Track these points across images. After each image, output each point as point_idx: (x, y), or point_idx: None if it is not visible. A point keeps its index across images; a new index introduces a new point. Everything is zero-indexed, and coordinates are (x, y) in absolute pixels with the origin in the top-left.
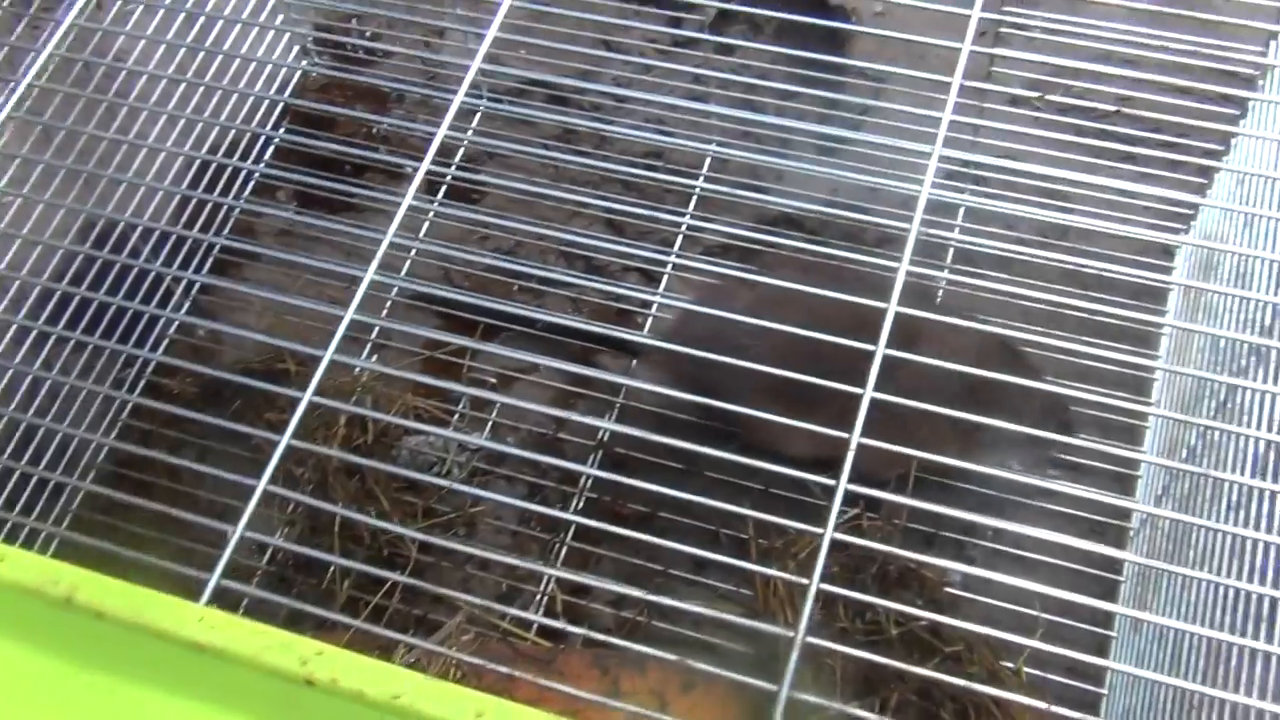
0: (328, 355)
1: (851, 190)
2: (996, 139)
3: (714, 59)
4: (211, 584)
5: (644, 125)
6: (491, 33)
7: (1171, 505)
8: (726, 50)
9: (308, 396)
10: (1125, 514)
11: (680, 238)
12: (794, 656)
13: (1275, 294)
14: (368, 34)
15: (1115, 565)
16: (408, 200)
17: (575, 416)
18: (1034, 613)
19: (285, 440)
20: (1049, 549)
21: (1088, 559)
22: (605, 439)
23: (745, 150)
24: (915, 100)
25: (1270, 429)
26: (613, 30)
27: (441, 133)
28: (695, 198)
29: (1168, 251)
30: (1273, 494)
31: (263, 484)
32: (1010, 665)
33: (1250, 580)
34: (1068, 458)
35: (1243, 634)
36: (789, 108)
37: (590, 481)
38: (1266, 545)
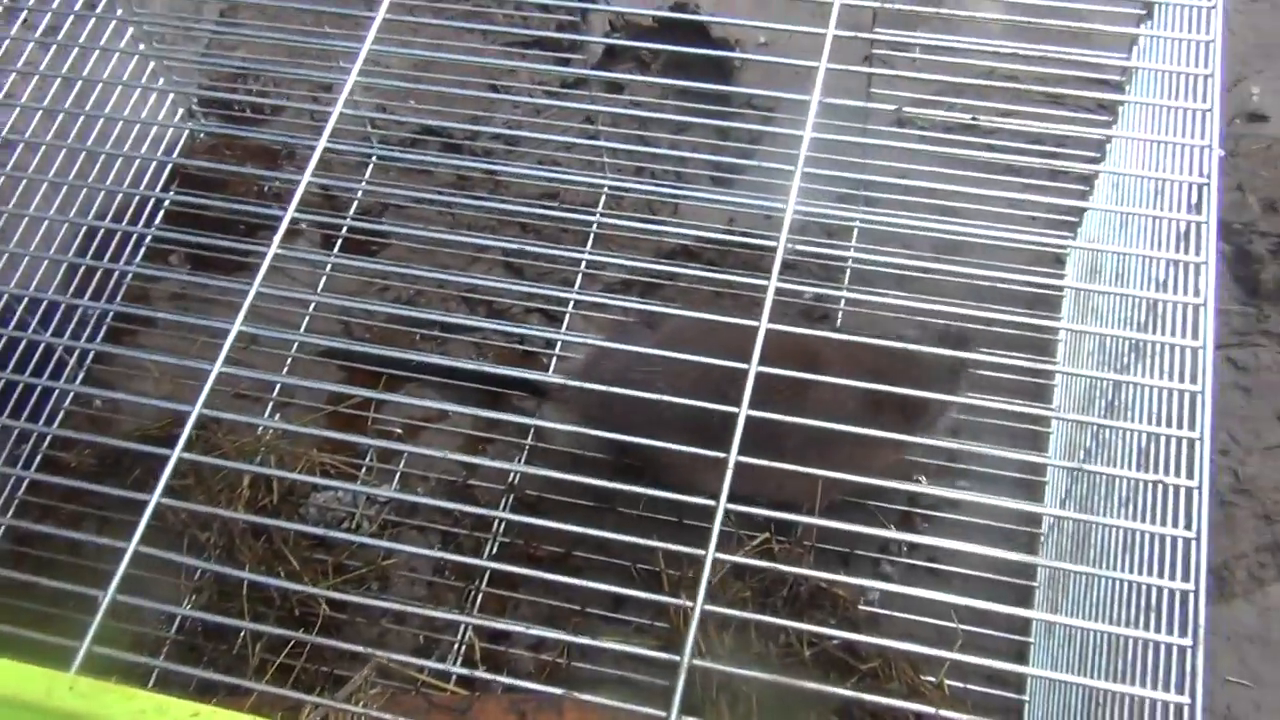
0: (195, 411)
1: (748, 218)
2: (884, 158)
3: (604, 97)
4: (81, 651)
5: (538, 166)
6: (351, 79)
7: (1073, 507)
8: (616, 87)
9: (176, 454)
10: (1037, 519)
11: (580, 276)
12: (680, 682)
13: (1148, 290)
14: (254, 92)
15: (1030, 571)
16: (272, 251)
17: (484, 462)
18: (953, 625)
19: (155, 500)
20: (965, 560)
21: (1003, 567)
22: (516, 482)
23: (640, 184)
24: (802, 125)
25: (1150, 422)
26: (500, 74)
27: (304, 182)
28: (592, 235)
29: (1059, 259)
30: (1154, 485)
31: (132, 546)
32: (931, 679)
33: (1139, 572)
34: (977, 468)
35: (1136, 626)
36: (682, 140)
37: (503, 526)
38: (1152, 536)
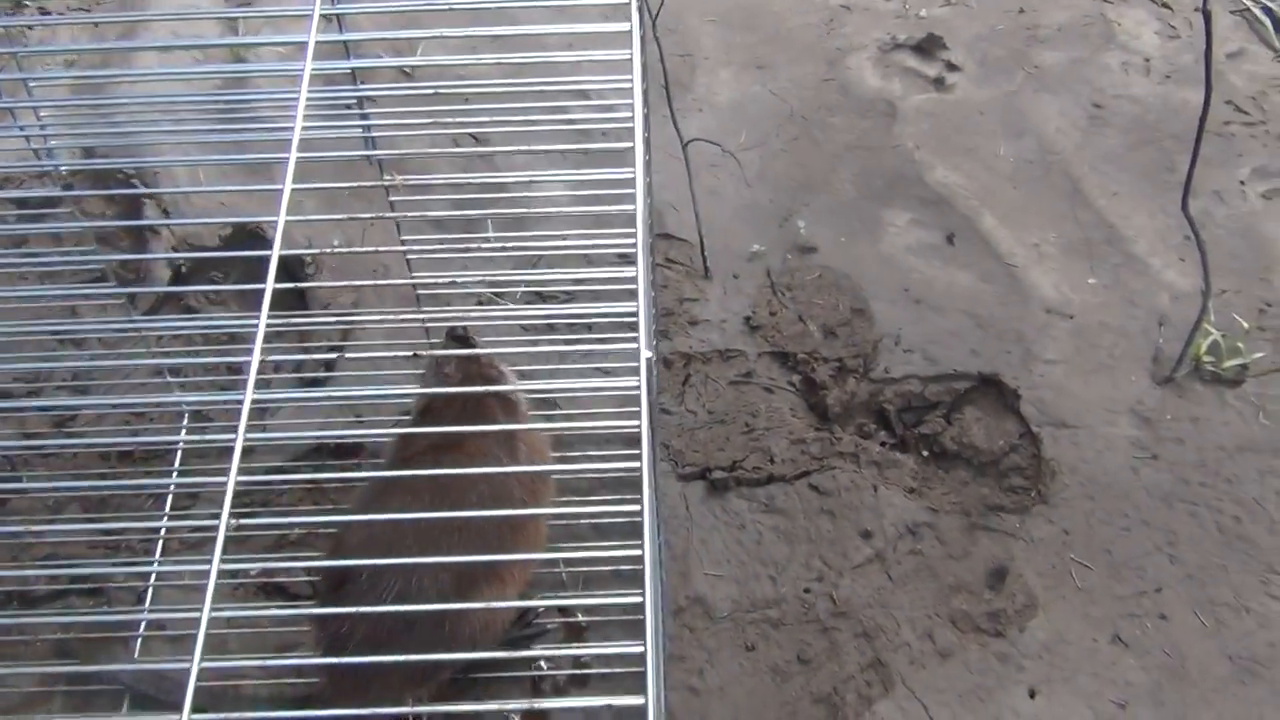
0: None
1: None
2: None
3: (173, 322)
4: None
5: (111, 398)
6: None
7: None
8: (188, 307)
9: None
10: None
11: (161, 544)
12: None
13: None
14: None
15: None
16: None
17: None
18: None
19: None
20: None
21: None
22: None
23: (220, 432)
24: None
25: None
26: (65, 313)
27: None
28: (170, 496)
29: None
30: None
31: None
32: None
33: None
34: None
35: None
36: (269, 370)
37: None
38: None
